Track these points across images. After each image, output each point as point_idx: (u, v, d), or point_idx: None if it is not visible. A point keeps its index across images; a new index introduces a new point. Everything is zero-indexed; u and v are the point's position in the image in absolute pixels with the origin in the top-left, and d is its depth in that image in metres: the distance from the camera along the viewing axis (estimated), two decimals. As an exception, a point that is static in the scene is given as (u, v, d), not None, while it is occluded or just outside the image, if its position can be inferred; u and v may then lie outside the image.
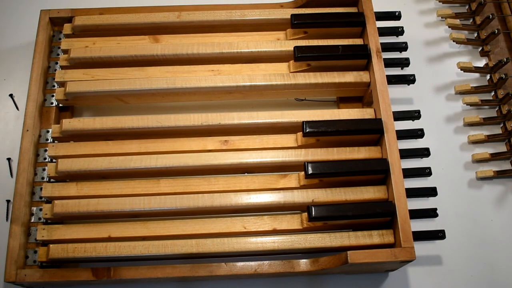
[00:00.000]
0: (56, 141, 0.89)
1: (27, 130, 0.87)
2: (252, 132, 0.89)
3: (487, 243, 0.92)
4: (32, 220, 0.84)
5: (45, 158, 0.88)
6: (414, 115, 0.91)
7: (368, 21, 0.94)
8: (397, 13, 0.99)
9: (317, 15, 0.95)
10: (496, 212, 0.94)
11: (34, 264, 0.82)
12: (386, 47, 0.96)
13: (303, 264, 0.80)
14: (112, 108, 0.99)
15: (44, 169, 0.87)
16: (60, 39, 0.98)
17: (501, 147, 1.00)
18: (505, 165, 0.98)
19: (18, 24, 1.08)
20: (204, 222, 0.83)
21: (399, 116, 0.90)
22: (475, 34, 1.09)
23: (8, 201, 0.92)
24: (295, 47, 0.91)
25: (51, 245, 0.81)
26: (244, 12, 0.97)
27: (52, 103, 0.93)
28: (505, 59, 0.99)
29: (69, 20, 0.97)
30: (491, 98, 1.03)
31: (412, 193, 0.86)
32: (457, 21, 1.07)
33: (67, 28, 0.97)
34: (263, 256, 0.85)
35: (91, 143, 0.87)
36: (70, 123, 0.87)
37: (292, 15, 0.94)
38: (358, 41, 0.95)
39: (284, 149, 0.87)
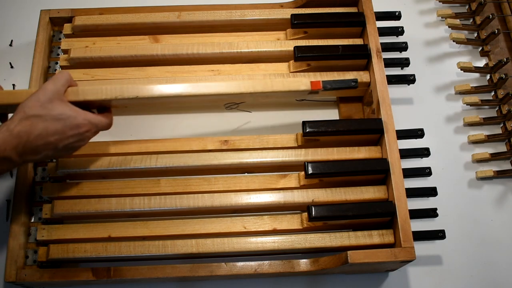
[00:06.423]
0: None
1: (27, 130, 0.87)
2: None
3: (487, 243, 0.92)
4: (32, 220, 0.84)
5: (45, 158, 0.88)
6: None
7: (368, 21, 0.94)
8: (397, 13, 0.99)
9: (317, 15, 0.95)
10: (496, 212, 0.94)
11: (34, 264, 0.82)
12: (386, 47, 0.96)
13: (303, 264, 0.80)
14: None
15: (44, 169, 0.87)
16: (60, 39, 0.97)
17: (501, 147, 1.00)
18: (505, 165, 0.98)
19: (18, 24, 1.08)
20: (204, 222, 0.83)
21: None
22: (475, 34, 1.09)
23: (8, 201, 0.92)
24: (295, 47, 0.91)
25: (51, 245, 0.81)
26: (244, 12, 0.97)
27: (52, 103, 0.93)
28: (505, 59, 0.99)
29: (69, 20, 0.97)
30: (491, 98, 1.03)
31: (412, 193, 0.86)
32: (457, 21, 1.06)
33: (67, 28, 0.97)
34: (263, 256, 0.85)
35: (91, 143, 0.87)
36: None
37: (292, 15, 0.94)
38: (358, 41, 0.95)
39: (284, 149, 0.87)
